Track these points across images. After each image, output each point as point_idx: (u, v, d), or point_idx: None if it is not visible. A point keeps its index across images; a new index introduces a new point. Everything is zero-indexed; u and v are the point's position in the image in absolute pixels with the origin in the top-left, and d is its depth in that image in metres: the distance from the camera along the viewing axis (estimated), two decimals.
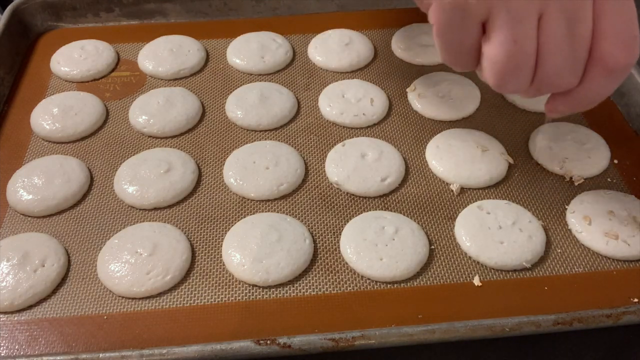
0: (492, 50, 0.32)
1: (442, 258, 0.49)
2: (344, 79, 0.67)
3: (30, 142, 0.60)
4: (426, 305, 0.46)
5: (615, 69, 0.32)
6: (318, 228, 0.52)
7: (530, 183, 0.55)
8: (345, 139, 0.59)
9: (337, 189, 0.55)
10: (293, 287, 0.47)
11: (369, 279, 0.48)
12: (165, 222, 0.52)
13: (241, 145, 0.59)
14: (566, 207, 0.53)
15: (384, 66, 0.69)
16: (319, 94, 0.65)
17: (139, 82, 0.68)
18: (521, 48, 0.31)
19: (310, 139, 0.60)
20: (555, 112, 0.37)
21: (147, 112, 0.62)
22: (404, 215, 0.52)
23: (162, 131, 0.60)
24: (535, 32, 0.31)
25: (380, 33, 0.73)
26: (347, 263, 0.49)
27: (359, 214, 0.52)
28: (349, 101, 0.63)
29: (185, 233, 0.51)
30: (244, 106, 0.62)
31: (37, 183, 0.54)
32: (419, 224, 0.51)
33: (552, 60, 0.32)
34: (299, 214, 0.53)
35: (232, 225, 0.51)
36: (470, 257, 0.49)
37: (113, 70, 0.69)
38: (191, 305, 0.46)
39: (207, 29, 0.75)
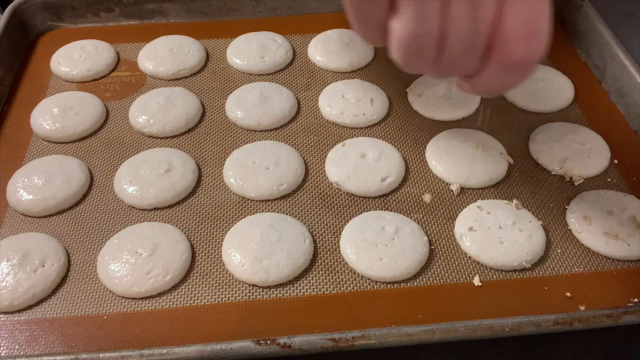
0: (397, 29, 0.32)
1: (442, 258, 0.49)
2: (344, 79, 0.67)
3: (30, 142, 0.60)
4: (426, 305, 0.46)
5: (512, 63, 0.31)
6: (318, 228, 0.52)
7: (530, 183, 0.55)
8: (345, 139, 0.59)
9: (337, 189, 0.55)
10: (293, 287, 0.47)
11: (369, 279, 0.48)
12: (165, 222, 0.52)
13: (241, 145, 0.59)
14: (566, 207, 0.53)
15: (384, 66, 0.69)
16: (319, 94, 0.65)
17: (139, 82, 0.68)
18: (424, 28, 0.31)
19: (310, 139, 0.60)
20: (464, 90, 0.37)
21: (147, 112, 0.62)
22: (404, 215, 0.52)
23: (162, 131, 0.60)
24: (439, 14, 0.30)
25: None
26: (347, 263, 0.49)
27: (359, 214, 0.52)
28: (349, 101, 0.63)
29: (185, 233, 0.51)
30: (244, 106, 0.62)
31: (37, 183, 0.54)
32: (419, 224, 0.51)
33: (453, 43, 0.31)
34: (299, 214, 0.53)
35: (232, 225, 0.51)
36: (470, 257, 0.49)
37: (113, 70, 0.69)
38: (191, 305, 0.46)
39: (207, 29, 0.75)
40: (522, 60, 0.31)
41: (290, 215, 0.52)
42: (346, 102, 0.63)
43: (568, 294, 0.46)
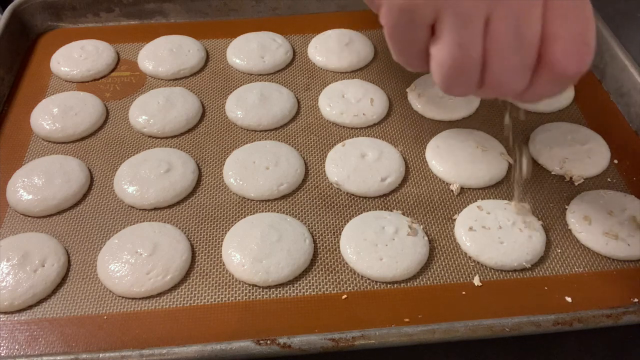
0: (438, 54, 0.32)
1: (442, 258, 0.49)
2: (344, 79, 0.67)
3: (30, 142, 0.60)
4: (426, 305, 0.46)
5: (564, 76, 0.31)
6: (318, 228, 0.52)
7: (530, 183, 0.55)
8: (345, 139, 0.59)
9: (337, 189, 0.55)
10: (293, 287, 0.47)
11: (369, 279, 0.48)
12: (165, 222, 0.52)
13: (241, 145, 0.59)
14: (566, 207, 0.53)
15: (384, 66, 0.69)
16: (319, 94, 0.65)
17: (139, 82, 0.68)
18: (466, 52, 0.31)
19: (310, 139, 0.60)
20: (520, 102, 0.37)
21: (147, 112, 0.62)
22: (404, 215, 0.52)
23: (162, 131, 0.60)
24: (481, 36, 0.30)
25: (380, 33, 0.73)
26: (347, 263, 0.49)
27: (359, 214, 0.52)
28: (349, 101, 0.63)
29: (185, 233, 0.51)
30: (244, 106, 0.62)
31: (37, 183, 0.54)
32: (419, 223, 0.51)
33: (498, 65, 0.31)
34: (299, 214, 0.53)
35: (232, 225, 0.51)
36: (470, 257, 0.49)
37: (113, 70, 0.69)
38: (191, 305, 0.46)
39: (207, 29, 0.75)
40: (575, 74, 0.31)
41: (290, 215, 0.52)
42: (346, 102, 0.63)
43: (568, 295, 0.46)
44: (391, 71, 0.68)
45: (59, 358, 0.41)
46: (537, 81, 0.32)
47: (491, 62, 0.31)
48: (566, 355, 0.46)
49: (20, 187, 0.54)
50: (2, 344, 0.44)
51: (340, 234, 0.51)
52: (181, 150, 0.59)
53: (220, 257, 0.49)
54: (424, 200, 0.54)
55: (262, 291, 0.47)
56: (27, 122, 0.62)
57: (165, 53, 0.69)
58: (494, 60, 0.31)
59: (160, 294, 0.47)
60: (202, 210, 0.54)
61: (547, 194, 0.54)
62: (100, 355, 0.41)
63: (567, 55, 0.30)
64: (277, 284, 0.47)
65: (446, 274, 0.48)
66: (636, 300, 0.46)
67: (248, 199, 0.54)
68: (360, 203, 0.54)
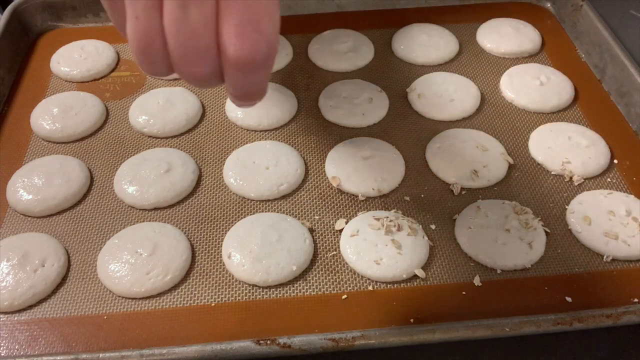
0: (127, 27, 0.31)
1: (442, 258, 0.49)
2: (344, 79, 0.67)
3: (30, 142, 0.60)
4: (426, 305, 0.46)
5: (239, 64, 0.30)
6: (318, 228, 0.52)
7: (530, 183, 0.55)
8: (345, 139, 0.59)
9: (337, 188, 0.55)
10: (293, 287, 0.47)
11: (369, 279, 0.48)
12: (165, 222, 0.52)
13: (241, 145, 0.59)
14: (566, 207, 0.53)
15: (384, 66, 0.69)
16: (319, 94, 0.65)
17: (139, 82, 0.68)
18: (143, 25, 0.30)
19: (310, 139, 0.60)
20: (233, 101, 0.36)
21: (147, 112, 0.62)
22: (403, 215, 0.52)
23: (162, 131, 0.60)
24: (155, 10, 0.30)
25: (380, 33, 0.74)
26: (347, 263, 0.49)
27: (359, 214, 0.52)
28: (349, 101, 0.63)
29: (185, 233, 0.51)
30: (242, 106, 0.62)
31: (37, 183, 0.54)
32: (419, 224, 0.51)
33: (172, 44, 0.30)
34: (299, 214, 0.53)
35: (232, 225, 0.51)
36: (470, 257, 0.49)
37: (113, 70, 0.69)
38: (191, 305, 0.46)
39: None
40: (246, 60, 0.30)
41: (290, 215, 0.52)
42: (346, 102, 0.63)
43: (568, 295, 0.46)
44: (391, 71, 0.68)
45: (59, 358, 0.41)
46: (225, 69, 0.31)
47: (169, 41, 0.30)
48: (566, 355, 0.46)
49: (20, 187, 0.54)
50: (2, 344, 0.44)
51: (340, 234, 0.51)
52: (181, 150, 0.59)
53: (220, 257, 0.49)
54: (424, 200, 0.54)
55: (262, 291, 0.47)
56: (27, 122, 0.62)
57: None
58: (170, 39, 0.30)
59: (160, 294, 0.47)
60: (202, 210, 0.54)
61: (547, 194, 0.54)
62: (100, 355, 0.41)
63: (237, 41, 0.29)
64: (277, 284, 0.47)
65: (446, 274, 0.48)
66: (636, 300, 0.46)
67: (248, 199, 0.54)
68: (360, 203, 0.54)
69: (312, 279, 0.48)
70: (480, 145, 0.57)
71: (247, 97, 0.36)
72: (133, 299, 0.47)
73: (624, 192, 0.54)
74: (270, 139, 0.60)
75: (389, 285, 0.47)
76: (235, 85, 0.33)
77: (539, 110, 0.63)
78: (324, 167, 0.57)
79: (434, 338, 0.42)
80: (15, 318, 0.46)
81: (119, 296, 0.47)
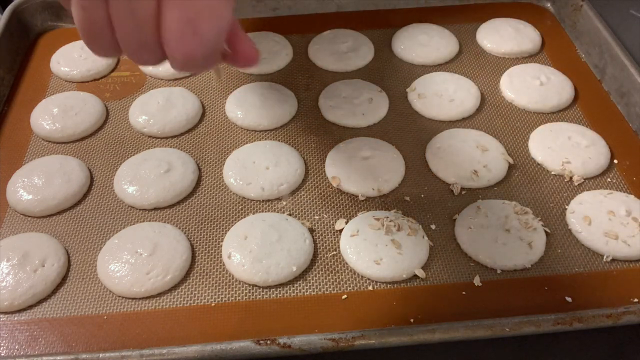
0: (73, 13, 0.32)
1: (442, 258, 0.49)
2: (344, 78, 0.67)
3: (30, 142, 0.60)
4: (426, 305, 0.46)
5: (176, 62, 0.31)
6: (318, 228, 0.52)
7: (530, 183, 0.55)
8: (345, 139, 0.59)
9: (337, 188, 0.55)
10: (293, 287, 0.47)
11: (369, 279, 0.48)
12: (165, 222, 0.52)
13: (241, 145, 0.59)
14: (566, 207, 0.53)
15: (384, 66, 0.69)
16: (319, 94, 0.65)
17: (139, 82, 0.68)
18: (90, 15, 0.31)
19: (310, 139, 0.60)
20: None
21: (147, 112, 0.62)
22: (403, 215, 0.52)
23: (162, 131, 0.60)
24: (103, 1, 0.30)
25: (380, 33, 0.73)
26: (347, 263, 0.49)
27: (358, 213, 0.52)
28: (349, 101, 0.63)
29: (185, 233, 0.51)
30: (244, 106, 0.62)
31: (37, 183, 0.54)
32: (419, 223, 0.51)
33: (119, 34, 0.31)
34: (299, 214, 0.53)
35: (232, 225, 0.51)
36: (470, 257, 0.49)
37: (113, 70, 0.69)
38: (191, 305, 0.46)
39: None
40: (183, 59, 0.31)
41: (290, 215, 0.52)
42: (346, 102, 0.63)
43: (568, 295, 0.46)
44: (391, 71, 0.68)
45: (59, 358, 0.41)
46: (169, 59, 0.32)
47: (116, 31, 0.31)
48: (566, 355, 0.46)
49: (20, 187, 0.54)
50: (2, 344, 0.44)
51: (340, 234, 0.51)
52: (181, 150, 0.59)
53: (220, 257, 0.49)
54: (424, 200, 0.54)
55: (262, 291, 0.47)
56: (27, 122, 0.62)
57: None
58: (116, 30, 0.31)
59: (160, 294, 0.47)
60: (202, 210, 0.54)
61: (547, 194, 0.54)
62: (100, 355, 0.41)
63: (174, 42, 0.30)
64: (277, 284, 0.47)
65: (446, 274, 0.48)
66: (636, 300, 0.46)
67: (248, 199, 0.54)
68: (360, 203, 0.54)
69: (312, 279, 0.48)
70: (480, 145, 0.57)
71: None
72: (133, 299, 0.47)
73: (624, 192, 0.54)
74: (270, 139, 0.60)
75: (389, 285, 0.47)
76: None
77: (539, 110, 0.63)
78: (324, 167, 0.57)
79: (434, 338, 0.42)
80: (15, 318, 0.46)
81: (119, 296, 0.47)
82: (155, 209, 0.54)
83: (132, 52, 0.32)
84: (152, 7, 0.30)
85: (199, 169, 0.57)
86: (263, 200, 0.54)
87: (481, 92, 0.65)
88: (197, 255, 0.50)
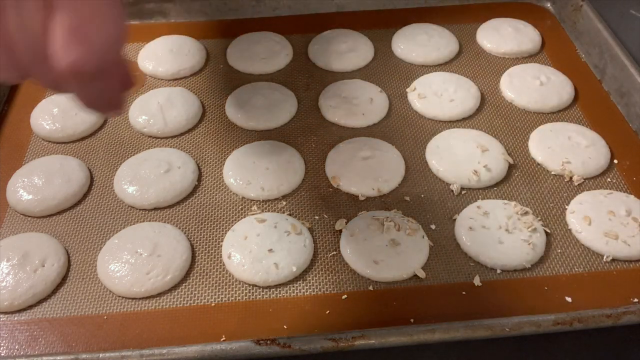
0: None
1: (442, 258, 0.49)
2: (344, 78, 0.67)
3: (30, 142, 0.60)
4: (426, 305, 0.46)
5: (66, 74, 0.29)
6: (317, 228, 0.52)
7: (530, 183, 0.55)
8: (345, 139, 0.59)
9: (337, 188, 0.55)
10: (293, 287, 0.47)
11: (369, 279, 0.48)
12: (165, 222, 0.52)
13: (241, 145, 0.59)
14: (566, 207, 0.53)
15: (384, 66, 0.69)
16: (319, 94, 0.65)
17: (139, 82, 0.67)
18: None
19: (310, 139, 0.60)
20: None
21: (147, 112, 0.62)
22: (404, 215, 0.52)
23: (162, 131, 0.60)
24: None
25: (380, 33, 0.73)
26: (347, 263, 0.49)
27: (358, 214, 0.52)
28: (349, 101, 0.63)
29: (185, 233, 0.51)
30: (243, 106, 0.62)
31: (37, 183, 0.54)
32: (418, 223, 0.51)
33: (10, 49, 0.29)
34: (298, 214, 0.53)
35: (232, 225, 0.51)
36: (470, 257, 0.49)
37: None
38: (191, 305, 0.46)
39: (207, 29, 0.75)
40: (71, 70, 0.29)
41: (289, 215, 0.52)
42: (346, 102, 0.63)
43: (568, 295, 0.46)
44: (391, 71, 0.68)
45: (59, 358, 0.41)
46: (59, 73, 0.30)
47: (6, 51, 0.29)
48: (566, 355, 0.46)
49: (20, 187, 0.54)
50: (2, 344, 0.44)
51: (339, 234, 0.51)
52: (181, 150, 0.59)
53: (220, 257, 0.49)
54: (424, 200, 0.54)
55: (262, 291, 0.47)
56: (27, 122, 0.62)
57: (165, 53, 0.69)
58: (7, 49, 0.29)
59: (160, 294, 0.47)
60: (202, 210, 0.54)
61: (547, 194, 0.54)
62: (100, 355, 0.41)
63: (62, 52, 0.28)
64: (277, 284, 0.47)
65: (446, 274, 0.48)
66: (636, 300, 0.46)
67: (248, 199, 0.54)
68: (360, 203, 0.54)
69: (312, 279, 0.48)
70: (480, 145, 0.57)
71: (95, 107, 0.34)
72: (133, 299, 0.47)
73: (624, 192, 0.54)
74: (270, 139, 0.60)
75: (389, 285, 0.47)
76: (77, 94, 0.32)
77: (539, 110, 0.63)
78: (324, 167, 0.57)
79: (434, 338, 0.42)
80: (15, 318, 0.46)
81: (119, 296, 0.47)
82: (155, 209, 0.54)
83: (25, 66, 0.30)
84: (40, 20, 0.28)
85: (199, 169, 0.57)
86: (263, 200, 0.54)
87: (481, 92, 0.65)
88: (197, 255, 0.50)
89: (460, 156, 0.56)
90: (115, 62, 0.31)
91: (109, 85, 0.32)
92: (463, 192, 0.55)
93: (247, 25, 0.74)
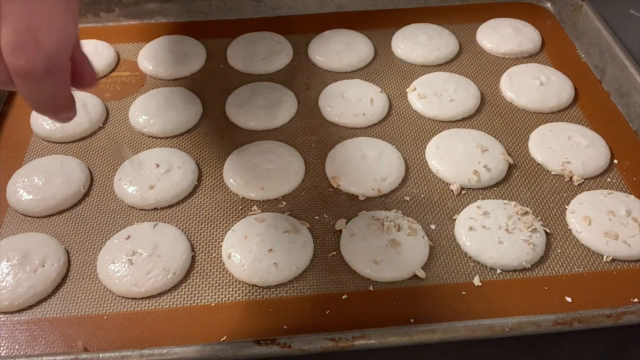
0: None
1: (442, 258, 0.49)
2: (344, 79, 0.67)
3: (30, 142, 0.60)
4: (426, 305, 0.46)
5: (16, 74, 0.29)
6: (317, 228, 0.52)
7: (530, 183, 0.55)
8: (345, 139, 0.59)
9: (337, 188, 0.55)
10: (293, 287, 0.47)
11: (369, 279, 0.48)
12: (165, 222, 0.52)
13: (241, 145, 0.59)
14: (566, 207, 0.53)
15: (384, 66, 0.69)
16: (319, 94, 0.65)
17: (139, 82, 0.68)
18: None
19: (310, 139, 0.60)
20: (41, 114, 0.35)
21: (147, 112, 0.62)
22: (404, 215, 0.52)
23: (162, 131, 0.60)
24: None
25: (380, 33, 0.73)
26: (346, 263, 0.49)
27: (358, 213, 0.52)
28: (349, 101, 0.63)
29: (185, 233, 0.51)
30: (243, 106, 0.62)
31: (37, 183, 0.54)
32: (418, 223, 0.51)
33: None
34: (298, 214, 0.53)
35: (232, 225, 0.51)
36: (470, 257, 0.49)
37: (113, 70, 0.69)
38: (191, 305, 0.46)
39: (207, 29, 0.75)
40: (23, 72, 0.29)
41: (290, 215, 0.52)
42: (346, 102, 0.63)
43: (568, 295, 0.46)
44: (391, 71, 0.68)
45: (59, 358, 0.41)
46: (12, 75, 0.30)
47: None
48: (566, 355, 0.46)
49: (20, 187, 0.54)
50: (2, 344, 0.44)
51: (340, 234, 0.51)
52: (181, 150, 0.59)
53: (220, 257, 0.49)
54: (424, 200, 0.54)
55: (262, 291, 0.47)
56: (27, 122, 0.62)
57: (165, 53, 0.69)
58: None
59: (160, 294, 0.47)
60: (202, 210, 0.54)
61: (547, 194, 0.54)
62: (100, 355, 0.41)
63: (12, 51, 0.28)
64: (277, 284, 0.47)
65: (446, 274, 0.48)
66: (636, 300, 0.46)
67: (248, 199, 0.54)
68: (360, 203, 0.54)
69: (312, 279, 0.48)
70: (480, 145, 0.57)
71: (44, 109, 0.33)
72: (133, 299, 0.47)
73: (624, 192, 0.54)
74: (270, 139, 0.60)
75: (388, 285, 0.47)
76: (26, 95, 0.31)
77: (539, 110, 0.63)
78: (324, 167, 0.57)
79: (434, 338, 0.42)
80: (15, 318, 0.46)
81: (119, 296, 0.47)
82: (155, 209, 0.54)
83: None
84: None
85: (199, 169, 0.57)
86: (263, 200, 0.54)
87: (481, 92, 0.65)
88: (197, 255, 0.50)
89: (460, 156, 0.56)
90: (66, 63, 0.31)
91: (58, 86, 0.31)
92: (463, 192, 0.55)
93: (247, 25, 0.75)
